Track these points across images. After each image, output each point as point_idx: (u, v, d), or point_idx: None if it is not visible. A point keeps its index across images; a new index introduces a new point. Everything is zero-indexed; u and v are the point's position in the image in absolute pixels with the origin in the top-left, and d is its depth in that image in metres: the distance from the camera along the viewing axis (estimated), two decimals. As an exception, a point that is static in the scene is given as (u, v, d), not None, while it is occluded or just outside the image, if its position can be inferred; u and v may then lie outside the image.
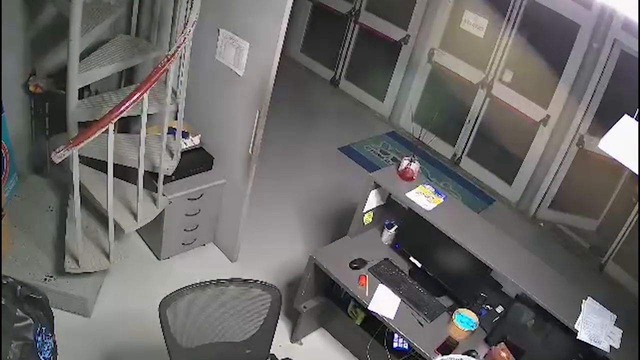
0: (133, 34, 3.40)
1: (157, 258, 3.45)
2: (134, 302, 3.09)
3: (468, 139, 5.27)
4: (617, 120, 2.17)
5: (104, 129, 2.44)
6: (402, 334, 2.64)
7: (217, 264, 3.56)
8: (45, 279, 2.88)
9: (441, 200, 2.91)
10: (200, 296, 2.05)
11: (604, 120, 4.17)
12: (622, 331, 2.46)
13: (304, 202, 4.34)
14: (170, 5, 3.16)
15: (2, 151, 2.99)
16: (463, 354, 2.50)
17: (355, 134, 5.48)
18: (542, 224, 4.91)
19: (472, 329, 2.65)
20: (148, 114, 2.68)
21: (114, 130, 2.51)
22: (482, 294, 2.82)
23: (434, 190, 2.96)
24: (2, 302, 2.09)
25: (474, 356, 2.56)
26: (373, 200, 3.07)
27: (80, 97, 2.85)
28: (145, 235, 3.52)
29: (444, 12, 5.19)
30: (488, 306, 2.82)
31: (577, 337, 2.37)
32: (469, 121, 5.21)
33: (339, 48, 6.12)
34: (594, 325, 2.42)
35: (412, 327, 2.68)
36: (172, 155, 3.15)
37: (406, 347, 2.83)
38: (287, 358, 2.41)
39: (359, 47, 6.01)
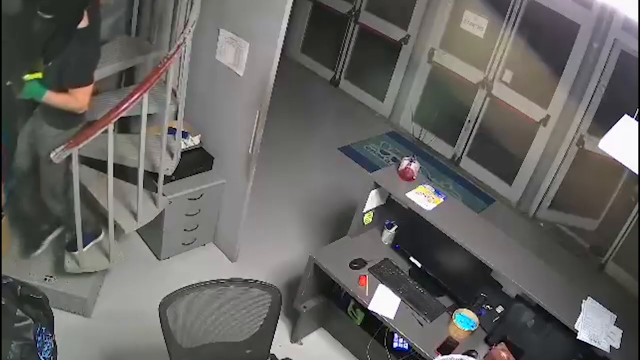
0: (133, 34, 3.40)
1: (157, 258, 3.45)
2: (134, 302, 3.09)
3: (468, 139, 5.27)
4: (617, 120, 2.17)
5: (104, 129, 2.44)
6: (402, 334, 2.64)
7: (217, 264, 3.56)
8: (45, 279, 2.88)
9: (441, 200, 2.91)
10: (200, 296, 2.05)
11: (604, 120, 4.16)
12: (622, 331, 2.46)
13: (304, 202, 4.34)
14: (170, 6, 3.16)
15: (2, 151, 2.98)
16: (463, 354, 2.49)
17: (355, 134, 5.48)
18: (542, 224, 4.91)
19: (472, 329, 2.65)
20: (148, 114, 2.68)
21: (114, 130, 2.51)
22: (482, 294, 2.82)
23: (434, 190, 2.96)
24: (2, 302, 2.09)
25: (474, 356, 2.56)
26: (373, 200, 3.07)
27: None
28: (145, 235, 3.52)
29: (444, 12, 5.18)
30: (488, 306, 2.82)
31: (577, 337, 2.37)
32: (469, 121, 5.21)
33: (339, 48, 6.11)
34: (594, 325, 2.42)
35: (412, 327, 2.68)
36: (172, 155, 3.15)
37: (406, 347, 2.83)
38: (287, 358, 2.41)
39: (359, 47, 6.01)
